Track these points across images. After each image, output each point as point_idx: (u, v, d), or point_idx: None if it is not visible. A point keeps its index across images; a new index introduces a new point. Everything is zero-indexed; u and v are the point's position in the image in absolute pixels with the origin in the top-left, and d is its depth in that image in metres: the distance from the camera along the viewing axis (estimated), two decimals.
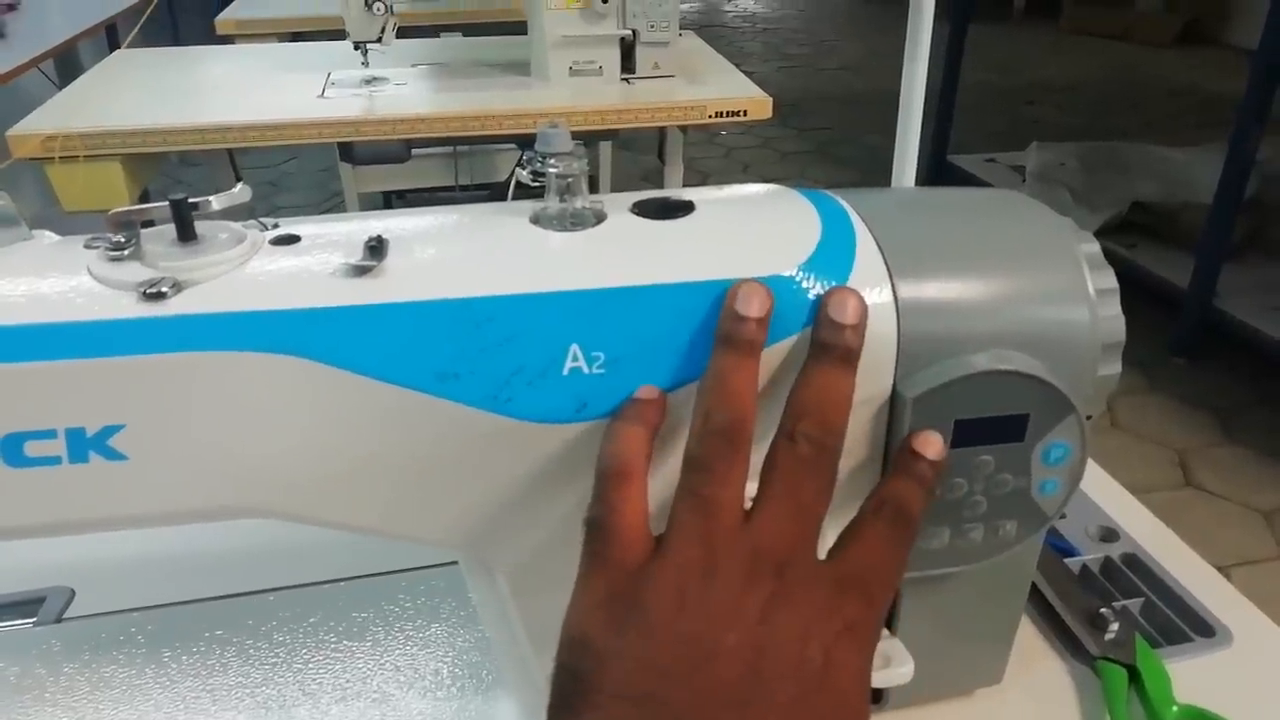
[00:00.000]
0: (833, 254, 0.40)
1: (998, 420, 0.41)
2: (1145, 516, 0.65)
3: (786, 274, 0.39)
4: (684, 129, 1.83)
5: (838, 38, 6.14)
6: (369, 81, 1.77)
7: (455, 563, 0.59)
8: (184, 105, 1.66)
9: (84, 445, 0.36)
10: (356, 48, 1.69)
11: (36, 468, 0.35)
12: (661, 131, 1.92)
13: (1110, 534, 0.63)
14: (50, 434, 0.35)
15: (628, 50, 1.77)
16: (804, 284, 0.39)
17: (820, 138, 4.23)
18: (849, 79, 5.17)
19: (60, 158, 1.50)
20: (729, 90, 1.77)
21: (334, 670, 0.52)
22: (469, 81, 1.82)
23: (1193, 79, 4.93)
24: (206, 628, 0.55)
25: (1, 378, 0.34)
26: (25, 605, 0.57)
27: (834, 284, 0.39)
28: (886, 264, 0.40)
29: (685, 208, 0.42)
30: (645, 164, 3.54)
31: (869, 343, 0.39)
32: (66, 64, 2.86)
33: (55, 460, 0.36)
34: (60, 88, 1.93)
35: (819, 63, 5.51)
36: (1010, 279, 0.42)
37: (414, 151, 2.18)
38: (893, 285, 0.40)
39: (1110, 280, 0.43)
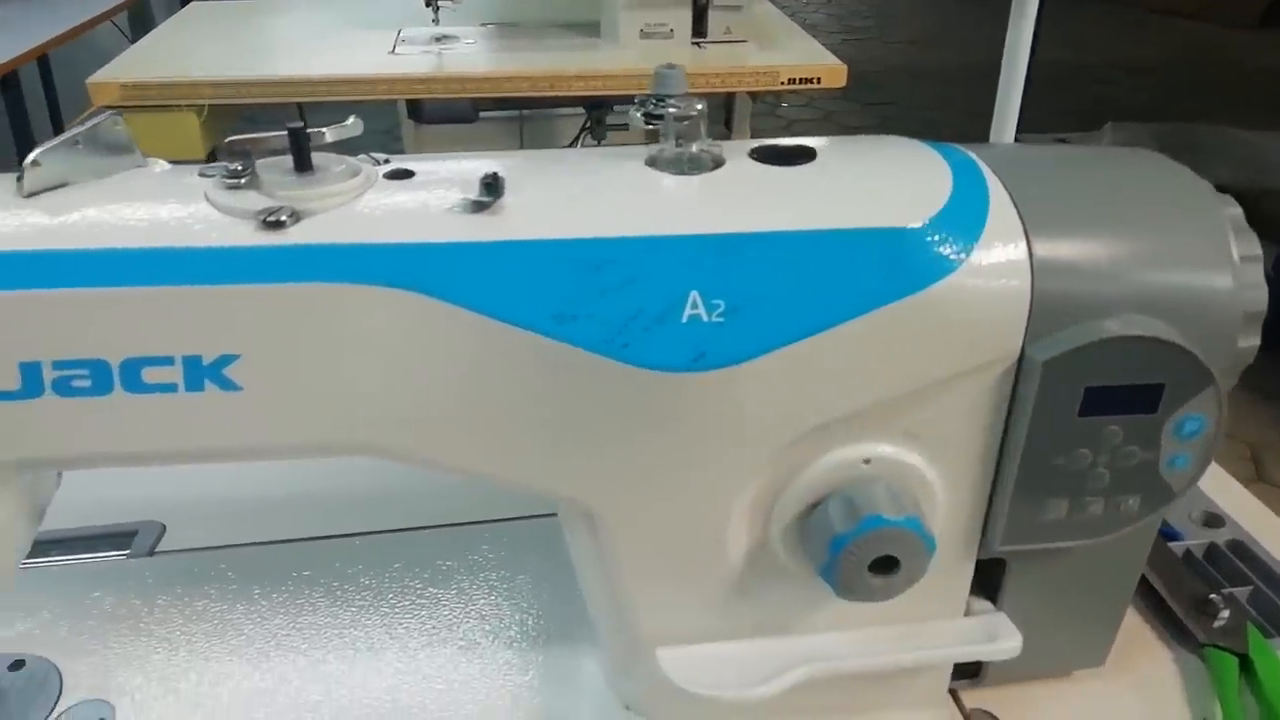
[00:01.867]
0: (965, 207, 0.38)
1: (1131, 389, 0.39)
2: (1251, 502, 0.62)
3: (914, 226, 0.37)
4: (753, 96, 1.80)
5: (905, 10, 5.99)
6: (439, 39, 1.76)
7: (542, 515, 0.58)
8: (256, 58, 1.67)
9: (200, 374, 0.35)
10: (428, 4, 1.68)
11: (153, 394, 0.35)
12: (729, 99, 1.88)
13: (1215, 519, 0.60)
14: (168, 361, 0.35)
15: (700, 13, 1.73)
16: (931, 238, 0.37)
17: (884, 112, 4.14)
18: (915, 53, 5.04)
19: (138, 106, 1.52)
20: (802, 57, 1.73)
21: (420, 616, 0.52)
22: (538, 42, 1.80)
23: (1275, 61, 4.72)
24: (294, 567, 0.55)
25: (121, 302, 0.34)
26: (118, 538, 0.58)
27: (967, 238, 0.37)
28: (1022, 219, 0.38)
29: (806, 154, 0.41)
30: (710, 134, 3.49)
31: (999, 301, 0.37)
32: (138, 17, 2.90)
33: (172, 388, 0.35)
34: (132, 41, 1.96)
35: (885, 35, 5.38)
36: (1150, 241, 0.39)
37: (481, 115, 2.18)
38: (1028, 242, 0.38)
39: (1255, 246, 0.41)
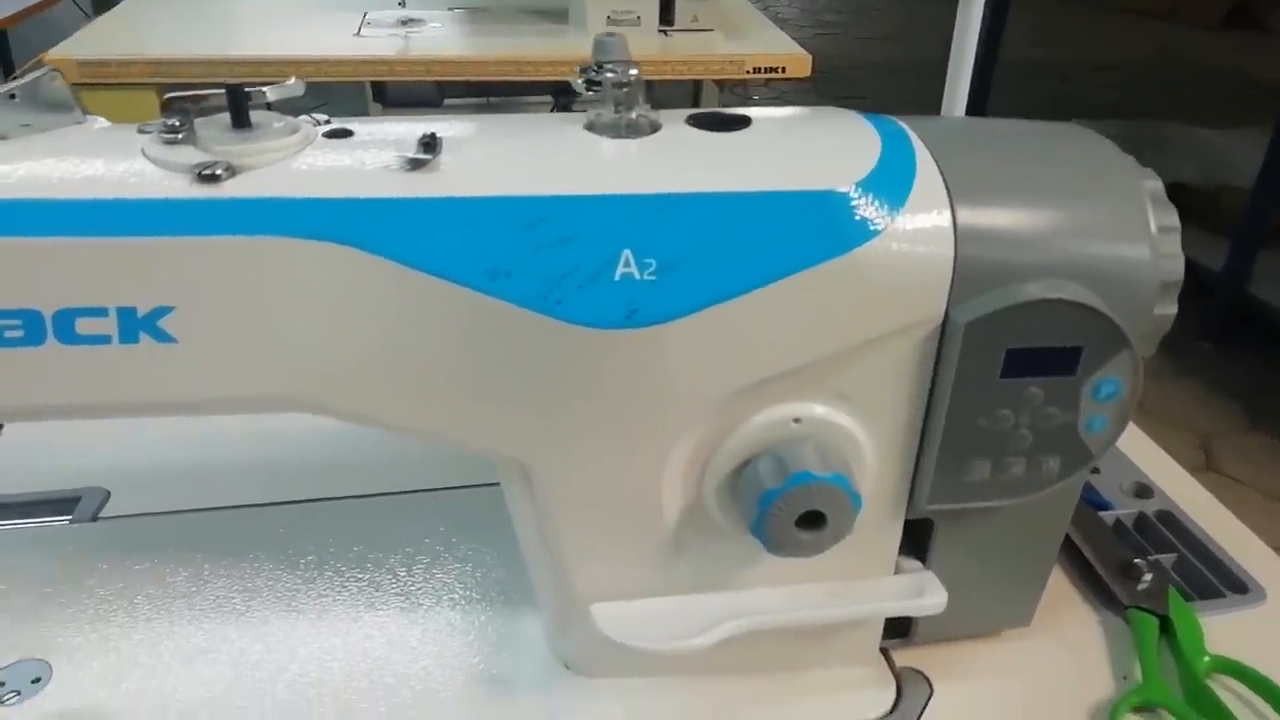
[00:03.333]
0: (892, 173, 0.39)
1: (1050, 351, 0.40)
2: (1180, 475, 0.64)
3: (841, 190, 0.38)
4: (720, 85, 1.81)
5: (876, 4, 6.03)
6: (405, 22, 1.75)
7: (487, 485, 0.59)
8: (218, 38, 1.65)
9: (134, 325, 0.36)
10: None
11: (87, 346, 0.36)
12: (696, 87, 1.89)
13: (1144, 490, 0.62)
14: (102, 312, 0.35)
15: (667, 1, 1.74)
16: (858, 202, 0.38)
17: (854, 106, 4.15)
18: (887, 47, 5.08)
19: (95, 84, 1.50)
20: (768, 46, 1.74)
21: (364, 580, 0.53)
22: (505, 27, 1.80)
23: (1238, 62, 4.81)
24: (239, 533, 0.55)
25: (55, 252, 0.34)
26: (61, 503, 0.58)
27: (892, 203, 0.38)
28: (947, 187, 0.39)
29: (742, 122, 0.42)
30: None
31: (924, 265, 0.38)
32: None
33: (105, 339, 0.36)
34: (91, 18, 1.93)
35: (856, 30, 5.41)
36: (1071, 210, 0.41)
37: (446, 102, 2.17)
38: (952, 209, 0.39)
39: (1172, 218, 0.42)
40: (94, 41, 1.60)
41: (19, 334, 0.35)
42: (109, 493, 0.59)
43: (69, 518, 0.57)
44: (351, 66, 1.59)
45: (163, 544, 0.55)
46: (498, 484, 0.58)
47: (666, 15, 1.75)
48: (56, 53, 1.51)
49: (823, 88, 4.28)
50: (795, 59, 1.69)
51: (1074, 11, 5.88)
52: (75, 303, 0.35)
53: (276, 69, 1.57)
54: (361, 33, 1.70)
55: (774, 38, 1.82)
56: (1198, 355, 2.37)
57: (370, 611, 0.51)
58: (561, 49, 1.68)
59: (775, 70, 1.68)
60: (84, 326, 0.35)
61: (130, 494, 0.59)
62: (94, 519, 0.57)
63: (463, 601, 0.51)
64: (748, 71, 1.67)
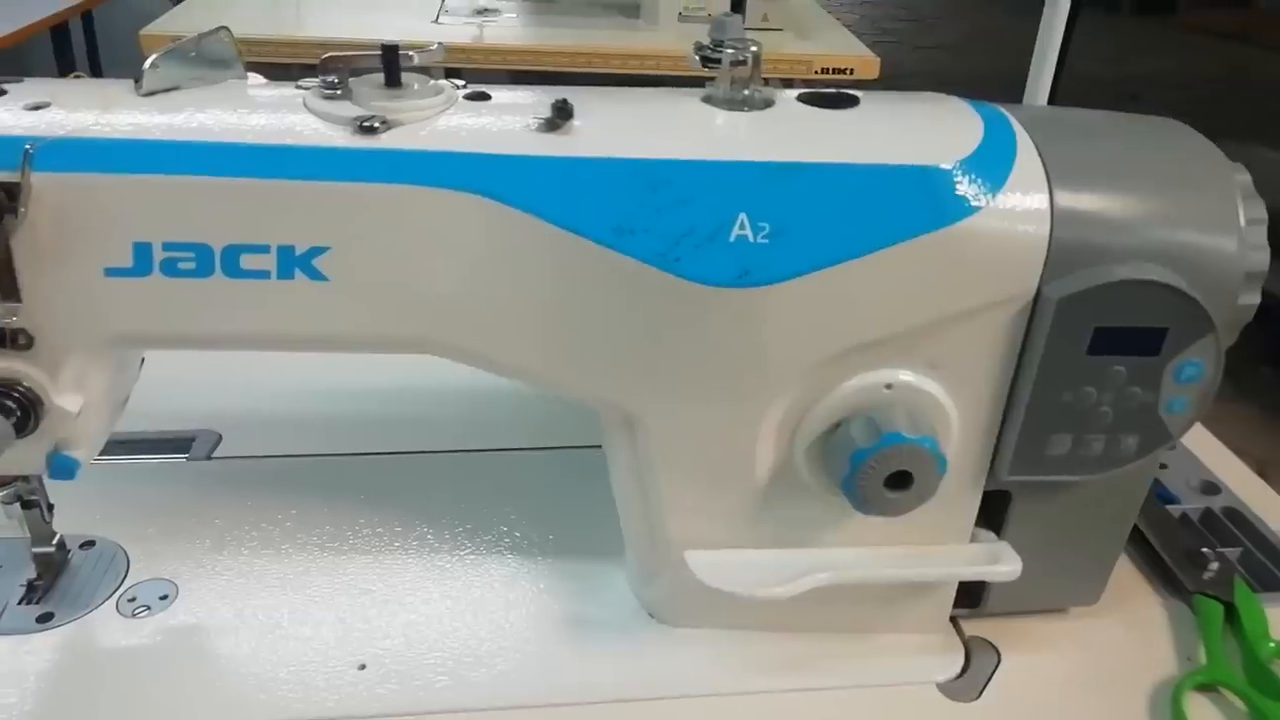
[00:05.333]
0: (993, 155, 0.41)
1: (1136, 331, 0.42)
2: (1246, 474, 0.65)
3: (945, 167, 0.41)
4: (787, 84, 1.83)
5: (938, 15, 5.99)
6: (481, 11, 1.80)
7: (577, 447, 0.62)
8: (303, 19, 1.71)
9: (292, 263, 0.39)
10: None
11: (249, 280, 0.39)
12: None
13: (1211, 487, 0.64)
14: (264, 249, 0.39)
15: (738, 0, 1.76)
16: (960, 179, 0.40)
17: None
18: (945, 59, 5.05)
19: None
20: (837, 48, 1.76)
21: (461, 528, 0.56)
22: (578, 19, 1.84)
23: None
24: (342, 479, 0.59)
25: (228, 192, 0.38)
26: (179, 442, 0.62)
27: (993, 182, 0.40)
28: (1046, 170, 0.41)
29: (850, 101, 0.44)
30: None
31: (1019, 242, 0.40)
32: None
33: (265, 274, 0.39)
34: (174, 2, 2.00)
35: (915, 40, 5.38)
36: (1164, 198, 0.43)
37: None
38: (1050, 191, 0.41)
39: (1260, 211, 0.44)
40: (185, 19, 1.67)
41: (191, 265, 0.39)
42: (220, 435, 0.63)
43: (185, 456, 0.62)
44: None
45: (271, 484, 0.59)
46: (587, 446, 0.61)
47: (737, 12, 1.77)
48: (154, 28, 1.58)
49: None
50: (863, 61, 1.71)
51: (1144, 29, 5.78)
52: (241, 239, 0.38)
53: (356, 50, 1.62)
54: (440, 19, 1.75)
55: (843, 39, 1.84)
56: (1257, 379, 2.33)
57: (466, 554, 0.54)
58: (631, 43, 1.71)
59: (843, 71, 1.69)
60: (247, 262, 0.39)
61: (240, 438, 0.63)
62: (208, 458, 0.62)
63: (554, 552, 0.54)
64: (815, 72, 1.69)
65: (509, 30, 1.74)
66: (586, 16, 1.86)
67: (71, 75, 0.37)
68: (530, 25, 1.79)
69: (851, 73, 1.70)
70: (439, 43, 0.42)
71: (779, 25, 1.79)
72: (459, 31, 1.70)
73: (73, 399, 0.41)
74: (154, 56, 0.40)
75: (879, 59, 1.70)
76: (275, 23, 1.66)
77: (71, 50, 2.19)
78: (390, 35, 1.48)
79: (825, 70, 1.70)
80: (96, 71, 2.73)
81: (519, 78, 1.77)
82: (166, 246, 0.38)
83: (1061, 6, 0.77)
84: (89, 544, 0.54)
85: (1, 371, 0.40)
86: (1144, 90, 4.56)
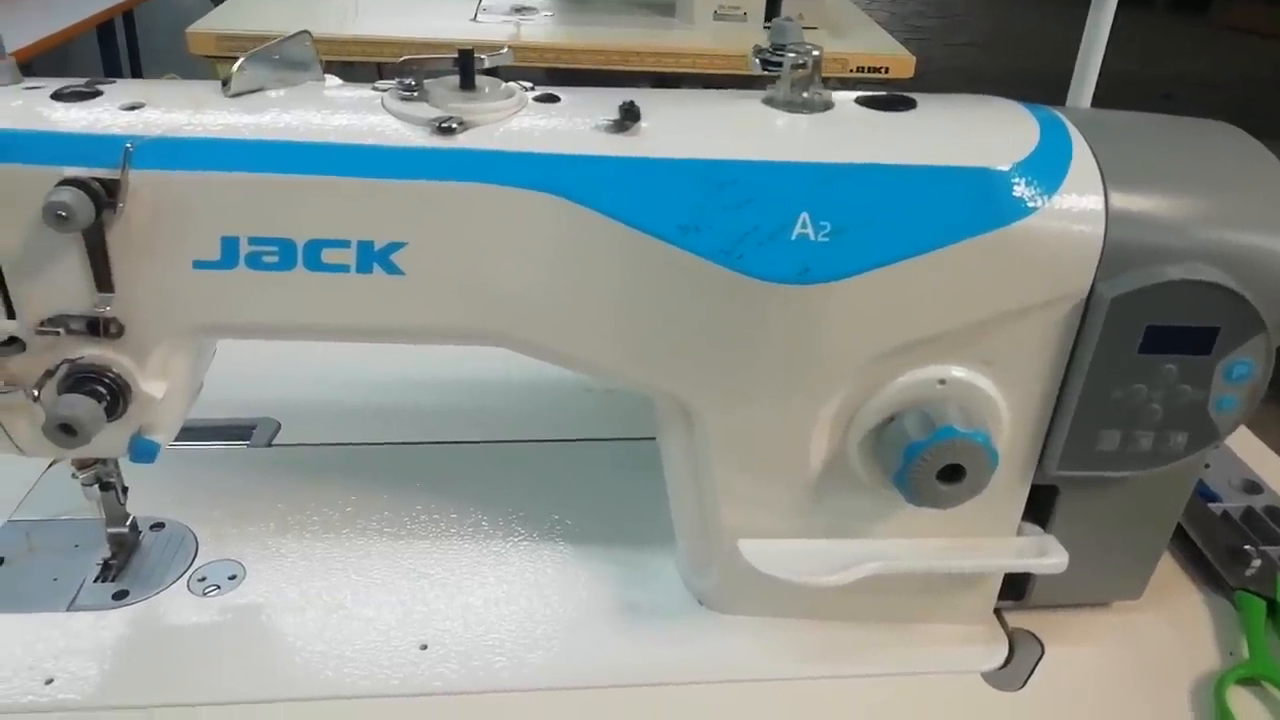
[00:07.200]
0: (1049, 157, 0.42)
1: (1188, 330, 0.43)
2: None
3: (1002, 169, 0.42)
4: (824, 82, 1.83)
5: (969, 12, 5.95)
6: (518, 9, 1.82)
7: (629, 439, 0.63)
8: (342, 18, 1.73)
9: (370, 257, 0.41)
10: None
11: (329, 273, 0.41)
12: None
13: (1253, 486, 0.64)
14: (345, 244, 0.40)
15: None
16: (1016, 181, 0.42)
17: None
18: (976, 55, 5.01)
19: (230, 57, 1.59)
20: (872, 46, 1.76)
21: (516, 515, 0.58)
22: (614, 18, 1.85)
23: None
24: (398, 467, 0.61)
25: (311, 189, 0.40)
26: (240, 429, 0.65)
27: (1049, 184, 0.41)
28: (1101, 172, 0.42)
29: (907, 103, 0.45)
30: None
31: (1075, 242, 0.41)
32: None
33: (345, 268, 0.41)
34: (215, 3, 2.04)
35: (947, 37, 5.35)
36: (1216, 199, 0.44)
37: None
38: (1105, 193, 0.42)
39: None
40: (229, 18, 1.70)
41: (275, 259, 0.40)
42: (279, 424, 0.65)
43: (246, 443, 0.64)
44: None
45: (331, 470, 0.61)
46: (638, 438, 0.63)
47: (772, 11, 1.78)
48: (198, 27, 1.61)
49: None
50: (899, 60, 1.71)
51: (1180, 28, 5.71)
52: (323, 234, 0.40)
53: (396, 49, 1.65)
54: (478, 18, 1.77)
55: (878, 38, 1.84)
56: None
57: (529, 542, 0.56)
58: (667, 41, 1.72)
59: (879, 70, 1.70)
60: (328, 256, 0.41)
61: (298, 426, 0.65)
62: (268, 445, 0.64)
63: (609, 539, 0.56)
64: (851, 70, 1.69)
65: (545, 28, 1.76)
66: (622, 15, 1.87)
67: (166, 76, 0.39)
68: (566, 23, 1.80)
69: (887, 71, 1.70)
70: (507, 47, 0.44)
71: (814, 23, 1.79)
72: (496, 30, 1.72)
73: (158, 385, 0.43)
74: (242, 59, 0.42)
75: (914, 58, 1.70)
76: (314, 21, 1.69)
77: (116, 48, 2.23)
78: (428, 34, 1.50)
79: (861, 69, 1.70)
80: (138, 69, 2.77)
81: (557, 76, 1.79)
82: (252, 240, 0.40)
83: (1108, 7, 0.77)
84: (159, 526, 0.56)
85: (94, 358, 0.42)
86: (1177, 89, 4.51)
